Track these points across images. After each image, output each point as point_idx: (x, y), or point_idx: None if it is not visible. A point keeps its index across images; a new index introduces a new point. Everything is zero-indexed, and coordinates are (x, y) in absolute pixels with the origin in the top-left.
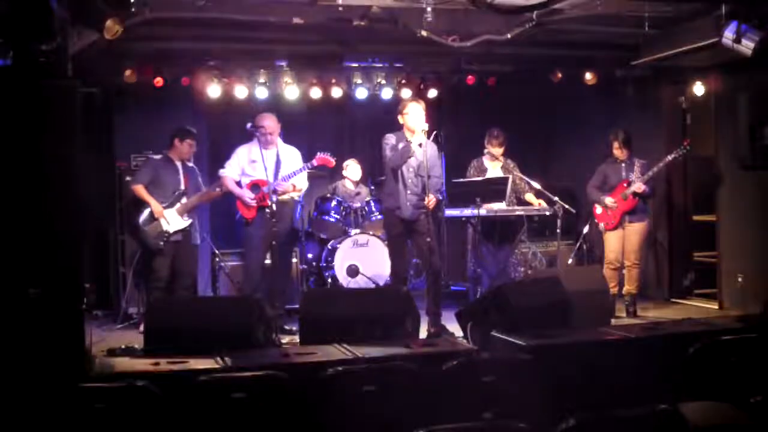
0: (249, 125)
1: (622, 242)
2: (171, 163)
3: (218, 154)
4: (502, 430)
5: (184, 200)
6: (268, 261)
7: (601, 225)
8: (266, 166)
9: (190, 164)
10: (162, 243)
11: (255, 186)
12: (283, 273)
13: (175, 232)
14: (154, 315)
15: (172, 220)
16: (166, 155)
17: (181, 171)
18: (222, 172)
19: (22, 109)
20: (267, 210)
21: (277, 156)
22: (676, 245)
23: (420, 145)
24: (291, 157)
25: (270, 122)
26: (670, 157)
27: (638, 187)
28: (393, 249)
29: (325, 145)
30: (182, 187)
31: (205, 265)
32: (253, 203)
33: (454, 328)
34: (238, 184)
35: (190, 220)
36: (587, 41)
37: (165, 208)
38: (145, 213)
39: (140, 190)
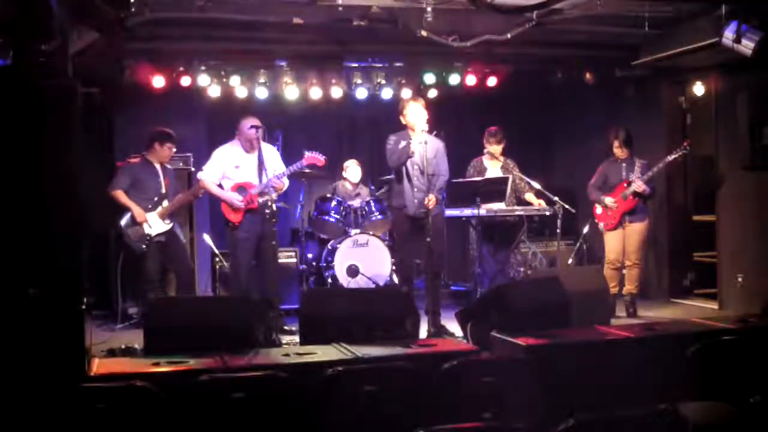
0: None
1: (623, 242)
2: (150, 166)
3: None
4: (502, 430)
5: (165, 203)
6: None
7: (601, 225)
8: (252, 169)
9: (169, 166)
10: (144, 246)
11: (240, 188)
12: (277, 273)
13: (158, 235)
14: (154, 315)
15: (154, 224)
16: (145, 158)
17: (161, 174)
18: (201, 175)
19: (22, 109)
20: (267, 211)
21: (260, 157)
22: (676, 245)
23: (423, 143)
24: (272, 156)
25: (258, 125)
26: (670, 158)
27: (639, 186)
28: (399, 246)
29: (325, 145)
30: (163, 190)
31: (205, 265)
32: (242, 206)
33: (454, 328)
34: (220, 186)
35: (172, 224)
36: (587, 41)
37: (147, 212)
38: (127, 216)
39: (120, 195)
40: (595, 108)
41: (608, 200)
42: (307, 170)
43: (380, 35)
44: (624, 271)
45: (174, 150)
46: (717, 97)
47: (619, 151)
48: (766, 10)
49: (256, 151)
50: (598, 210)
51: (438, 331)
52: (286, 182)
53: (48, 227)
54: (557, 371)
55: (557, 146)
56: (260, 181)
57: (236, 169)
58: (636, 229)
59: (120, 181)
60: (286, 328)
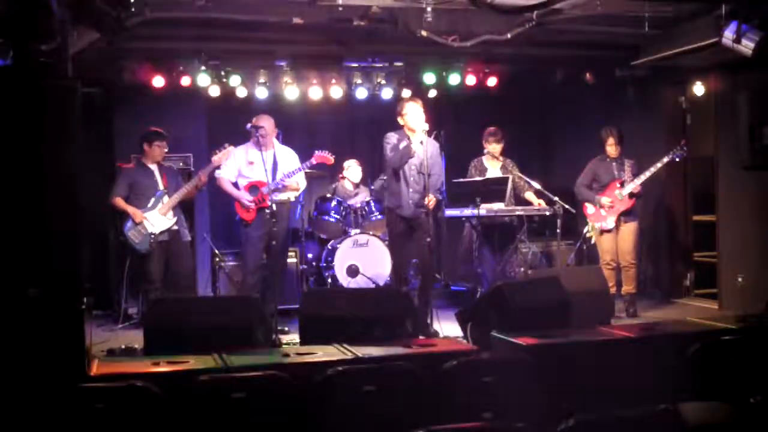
0: (249, 125)
1: (616, 242)
2: (145, 168)
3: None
4: (502, 430)
5: (165, 199)
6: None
7: (597, 225)
8: (265, 168)
9: (167, 164)
10: (149, 245)
11: (253, 188)
12: (280, 273)
13: (161, 233)
14: (154, 315)
15: (156, 221)
16: (139, 161)
17: (157, 173)
18: (218, 173)
19: (22, 109)
20: (267, 210)
21: (274, 157)
22: (676, 245)
23: (421, 143)
24: (288, 158)
25: (267, 123)
26: (666, 158)
27: (635, 187)
28: (394, 248)
29: (325, 146)
30: (161, 187)
31: (205, 265)
32: (252, 205)
33: (455, 328)
34: (235, 185)
35: (175, 218)
36: (587, 41)
37: (146, 211)
38: (130, 221)
39: (119, 202)
40: (595, 108)
41: (604, 200)
42: (308, 170)
43: (380, 35)
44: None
45: (165, 148)
46: (717, 97)
47: (612, 149)
48: (766, 10)
49: (269, 150)
50: (590, 210)
51: (424, 329)
52: (302, 183)
53: (48, 227)
54: (557, 371)
55: (557, 146)
56: (273, 180)
57: (249, 166)
58: (630, 229)
59: (118, 189)
60: (279, 328)
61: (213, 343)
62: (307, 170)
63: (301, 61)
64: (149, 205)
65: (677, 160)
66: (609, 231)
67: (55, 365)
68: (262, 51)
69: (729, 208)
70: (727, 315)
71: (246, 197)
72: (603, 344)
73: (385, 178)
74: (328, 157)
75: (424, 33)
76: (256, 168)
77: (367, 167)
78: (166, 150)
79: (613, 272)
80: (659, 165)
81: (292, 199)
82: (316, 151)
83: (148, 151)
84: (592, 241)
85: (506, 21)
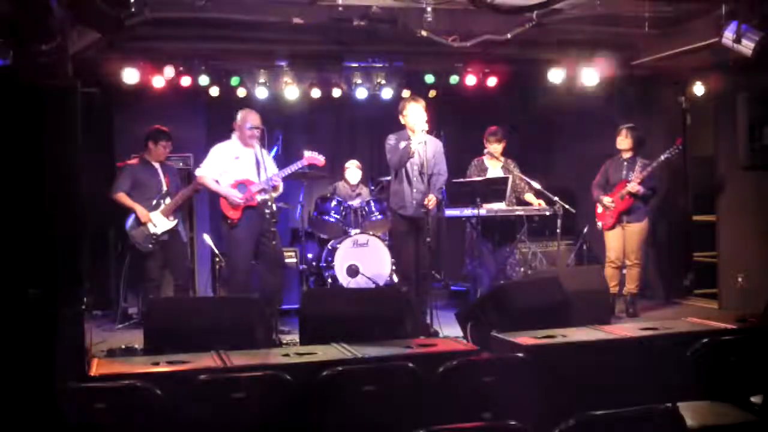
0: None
1: (623, 241)
2: (149, 166)
3: None
4: (502, 430)
5: (167, 200)
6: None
7: (600, 224)
8: (251, 164)
9: (169, 163)
10: (151, 245)
11: (241, 185)
12: (278, 273)
13: (163, 233)
14: (154, 315)
15: (159, 222)
16: (143, 158)
17: (160, 172)
18: (198, 172)
19: (22, 109)
20: (267, 210)
21: (260, 153)
22: (676, 245)
23: (424, 143)
24: (268, 157)
25: (258, 121)
26: (662, 157)
27: (632, 187)
28: (398, 247)
29: (325, 146)
30: (164, 188)
31: (205, 265)
32: (242, 203)
33: (455, 328)
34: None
35: (176, 220)
36: (587, 41)
37: (150, 211)
38: (132, 218)
39: (122, 197)
40: (595, 108)
41: (606, 200)
42: (306, 170)
43: (380, 35)
44: (624, 271)
45: (169, 147)
46: (717, 97)
47: (622, 143)
48: (766, 10)
49: (255, 148)
50: (599, 209)
51: (425, 329)
52: (281, 185)
53: (48, 227)
54: (557, 371)
55: (557, 146)
56: (260, 178)
57: (236, 161)
58: (635, 229)
59: (120, 184)
60: (279, 328)
61: (213, 343)
62: (307, 171)
63: (301, 61)
64: (153, 205)
65: (671, 159)
66: (611, 229)
67: (55, 365)
68: (262, 51)
69: (729, 208)
70: (727, 315)
71: (236, 195)
72: (603, 344)
73: (388, 179)
74: (317, 159)
75: (424, 33)
76: (244, 163)
77: (367, 167)
78: (169, 150)
79: (617, 271)
80: (654, 164)
81: (275, 195)
82: (306, 153)
83: (153, 150)
84: None
85: (506, 21)
